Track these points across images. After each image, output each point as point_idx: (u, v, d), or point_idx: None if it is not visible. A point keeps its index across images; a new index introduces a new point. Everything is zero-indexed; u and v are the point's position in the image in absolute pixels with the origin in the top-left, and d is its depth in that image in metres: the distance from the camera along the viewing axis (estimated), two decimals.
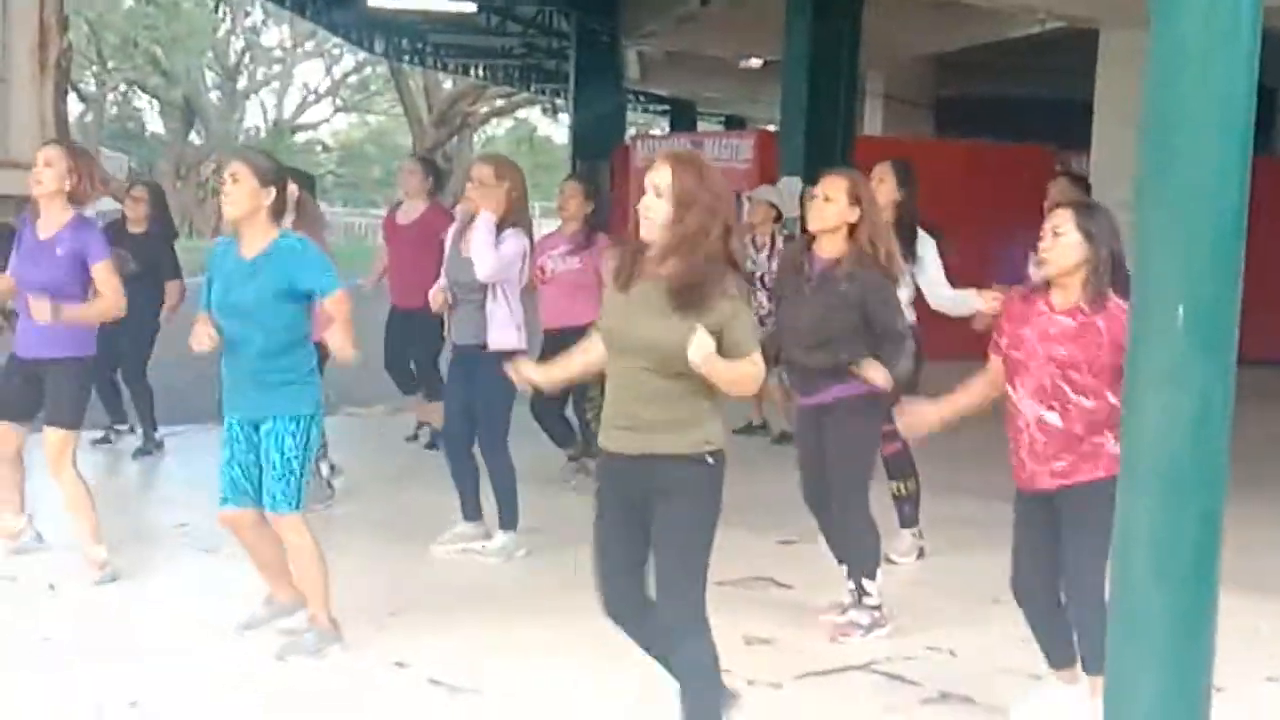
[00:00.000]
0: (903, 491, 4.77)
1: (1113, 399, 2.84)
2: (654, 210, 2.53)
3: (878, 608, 3.93)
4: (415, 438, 6.72)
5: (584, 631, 3.24)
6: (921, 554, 4.78)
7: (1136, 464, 2.12)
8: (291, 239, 3.58)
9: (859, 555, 3.94)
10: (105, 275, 4.06)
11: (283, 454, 3.46)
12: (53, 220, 4.11)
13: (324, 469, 5.31)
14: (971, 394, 3.23)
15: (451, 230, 4.76)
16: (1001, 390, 3.09)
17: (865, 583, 3.92)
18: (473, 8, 13.17)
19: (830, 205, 3.77)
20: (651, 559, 2.65)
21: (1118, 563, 2.15)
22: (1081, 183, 5.93)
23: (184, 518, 5.00)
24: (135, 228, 6.36)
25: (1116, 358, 2.65)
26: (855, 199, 3.77)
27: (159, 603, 4.08)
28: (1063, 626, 3.07)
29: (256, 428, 3.48)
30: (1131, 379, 2.13)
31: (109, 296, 4.08)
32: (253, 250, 3.45)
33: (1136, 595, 2.10)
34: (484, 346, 4.41)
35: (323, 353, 3.75)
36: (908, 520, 4.79)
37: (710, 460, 2.60)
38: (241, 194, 3.40)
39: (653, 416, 2.57)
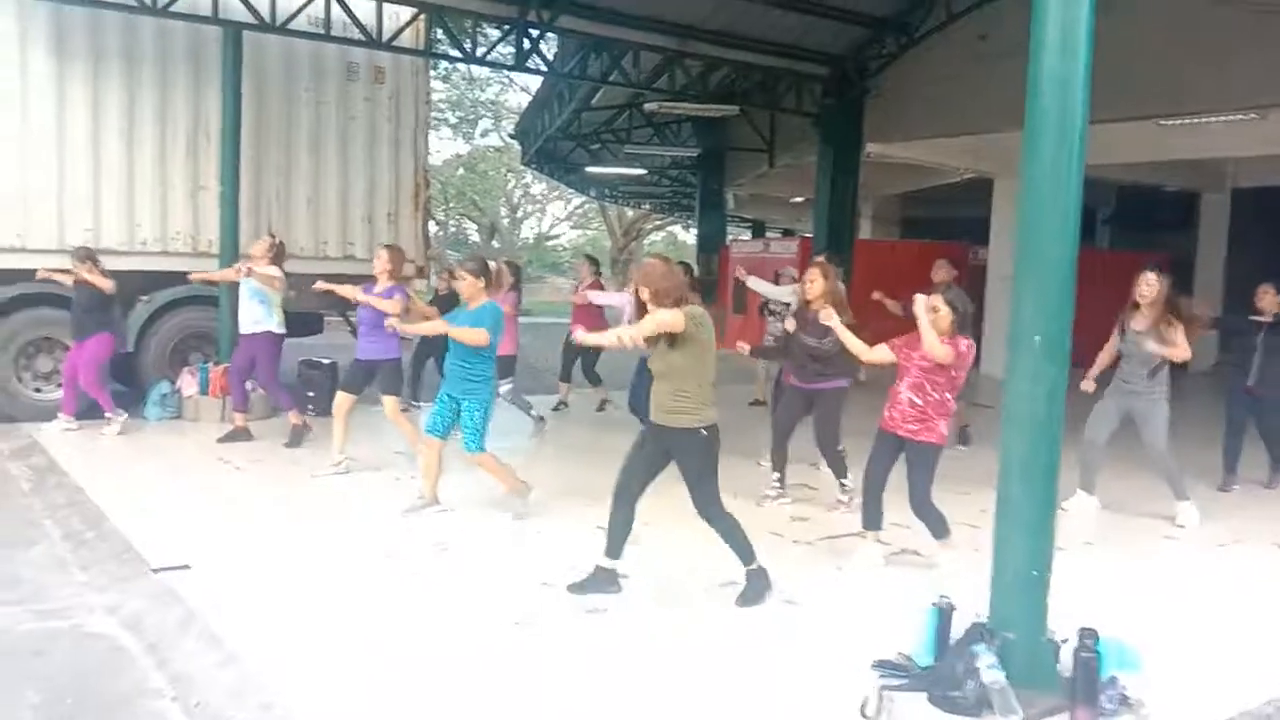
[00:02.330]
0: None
1: (949, 398, 5.29)
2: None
3: (852, 490, 6.71)
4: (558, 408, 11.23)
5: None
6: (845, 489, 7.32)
7: (1014, 422, 3.46)
8: (490, 304, 6.54)
9: (837, 467, 6.96)
10: (395, 303, 7.51)
11: (470, 419, 6.20)
12: (381, 283, 7.67)
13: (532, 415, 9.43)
14: (876, 353, 5.62)
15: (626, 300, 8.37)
16: (887, 362, 5.54)
17: (842, 479, 6.95)
18: (643, 172, 24.72)
19: (816, 284, 6.75)
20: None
21: (1001, 473, 3.48)
22: (954, 263, 9.53)
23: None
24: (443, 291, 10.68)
25: (959, 376, 4.59)
26: (826, 276, 6.72)
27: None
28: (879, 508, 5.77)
29: (458, 402, 6.34)
30: (1010, 376, 3.47)
31: (396, 305, 7.49)
32: (473, 307, 6.45)
33: (1011, 491, 3.44)
34: None
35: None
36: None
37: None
38: (465, 284, 6.45)
39: None
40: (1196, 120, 12.05)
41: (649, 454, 5.12)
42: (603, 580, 5.15)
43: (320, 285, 8.20)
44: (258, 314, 8.82)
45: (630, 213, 41.93)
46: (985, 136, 14.39)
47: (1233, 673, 4.42)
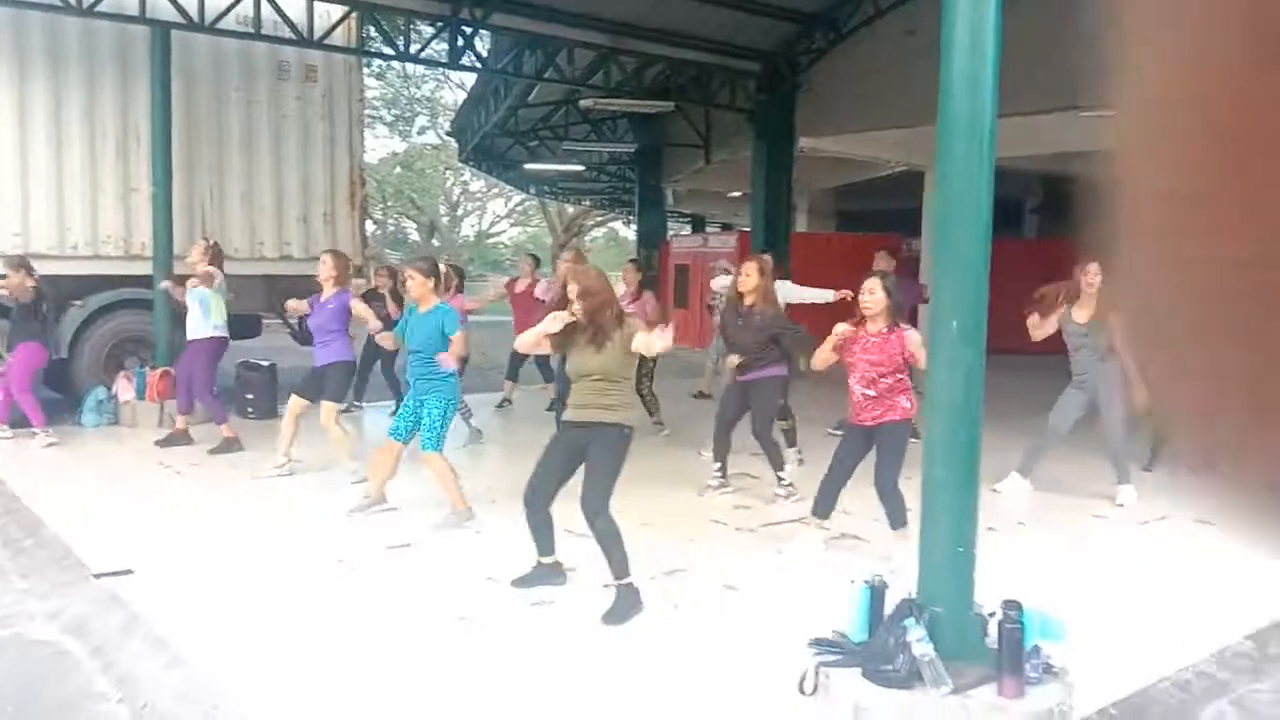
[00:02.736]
0: (787, 427, 8.08)
1: (901, 377, 5.43)
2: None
3: (790, 484, 6.97)
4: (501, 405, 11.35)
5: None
6: (801, 462, 7.82)
7: (934, 406, 3.63)
8: (443, 305, 6.36)
9: (773, 458, 7.01)
10: (357, 309, 7.71)
11: (430, 419, 6.15)
12: (327, 290, 7.60)
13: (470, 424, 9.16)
14: (826, 347, 5.63)
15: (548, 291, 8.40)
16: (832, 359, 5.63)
17: (779, 473, 7.03)
18: (581, 168, 24.69)
19: (750, 278, 6.89)
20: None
21: (925, 456, 3.64)
22: (894, 254, 9.78)
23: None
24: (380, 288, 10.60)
25: (904, 356, 4.97)
26: (762, 273, 6.88)
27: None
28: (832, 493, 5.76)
29: (422, 402, 6.22)
30: (931, 360, 3.64)
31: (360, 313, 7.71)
32: (423, 309, 6.26)
33: (934, 472, 3.60)
34: None
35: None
36: (791, 443, 8.04)
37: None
38: (415, 284, 6.42)
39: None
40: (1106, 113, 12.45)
41: (564, 453, 5.03)
42: (546, 573, 5.22)
43: (291, 305, 8.35)
44: (196, 318, 8.75)
45: (571, 209, 42.08)
46: (915, 130, 14.83)
47: (1153, 642, 4.63)
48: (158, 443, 8.83)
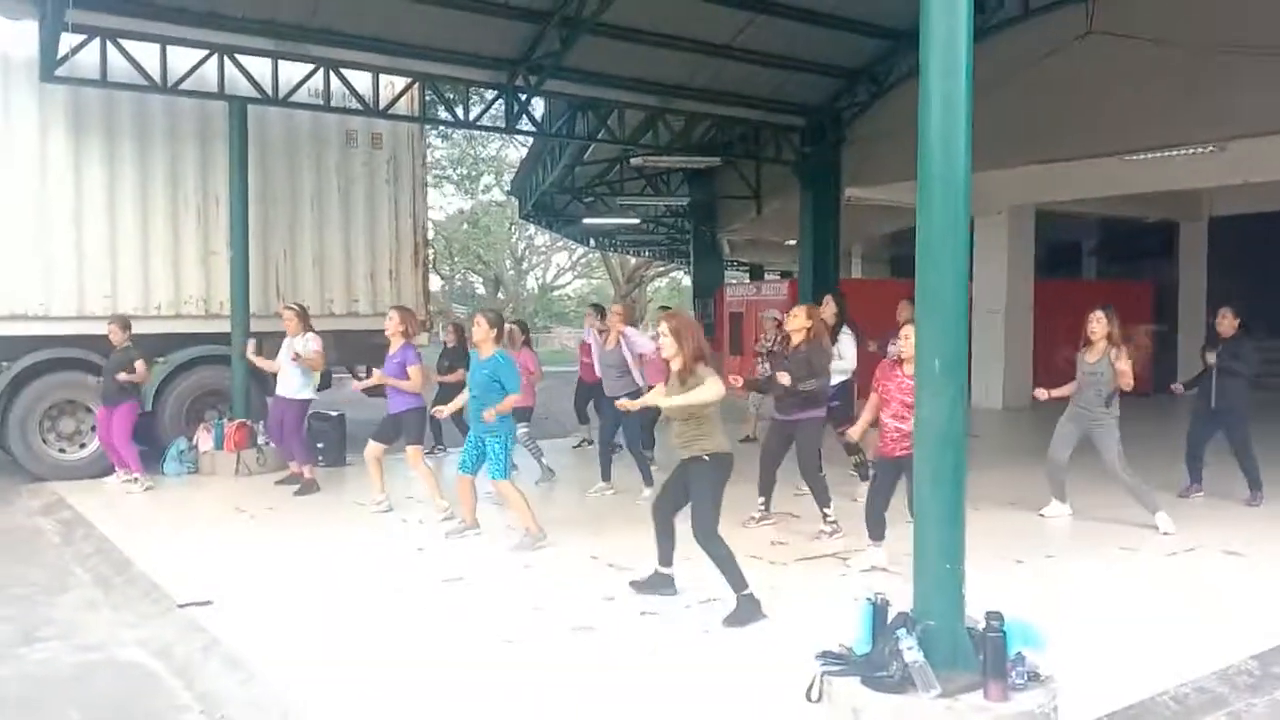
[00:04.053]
0: (860, 460, 8.55)
1: None
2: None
3: (835, 522, 7.34)
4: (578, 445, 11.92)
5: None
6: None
7: (923, 434, 3.96)
8: (500, 354, 7.06)
9: (819, 496, 7.46)
10: (414, 373, 8.13)
11: (494, 452, 6.90)
12: (395, 344, 8.18)
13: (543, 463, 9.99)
14: (870, 411, 6.45)
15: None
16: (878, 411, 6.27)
17: (825, 510, 7.43)
18: (638, 221, 25.95)
19: (797, 319, 7.49)
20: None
21: (915, 481, 3.99)
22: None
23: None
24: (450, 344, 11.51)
25: None
26: (810, 317, 7.46)
27: None
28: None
29: (483, 440, 6.95)
30: (919, 395, 3.98)
31: (416, 381, 8.14)
32: (483, 356, 6.88)
33: (923, 494, 3.93)
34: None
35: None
36: (865, 476, 8.21)
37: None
38: (479, 331, 7.11)
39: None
40: (1156, 155, 12.65)
41: (674, 484, 5.87)
42: (660, 581, 6.00)
43: (357, 386, 9.35)
44: (296, 383, 9.56)
45: (633, 260, 43.12)
46: None
47: (1157, 660, 4.86)
48: (297, 493, 9.46)
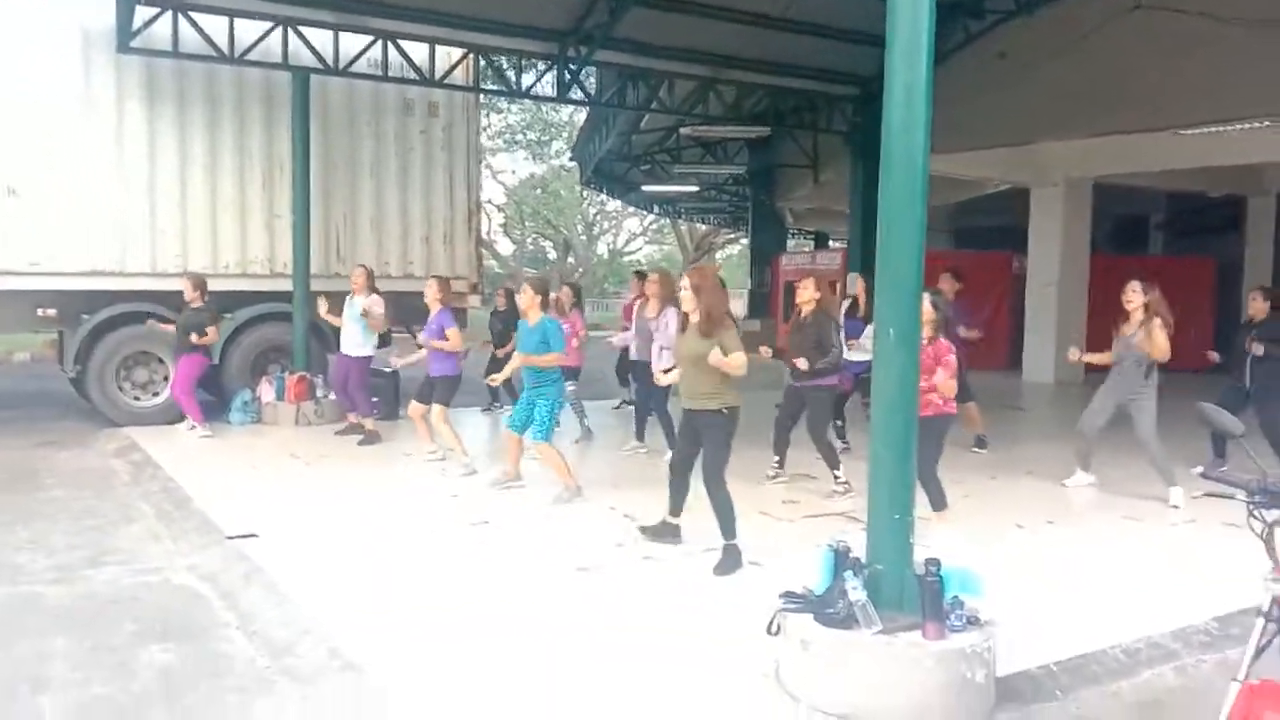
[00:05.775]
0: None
1: (928, 380, 6.08)
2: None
3: (845, 482, 7.69)
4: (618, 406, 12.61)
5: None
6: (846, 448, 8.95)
7: (878, 398, 4.28)
8: (546, 319, 7.62)
9: (828, 459, 7.83)
10: (452, 335, 8.54)
11: (540, 415, 7.30)
12: (434, 309, 8.84)
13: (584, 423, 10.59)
14: None
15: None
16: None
17: (835, 471, 7.81)
18: (696, 189, 26.61)
19: (806, 290, 7.83)
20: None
21: (871, 439, 4.30)
22: (959, 278, 9.96)
23: None
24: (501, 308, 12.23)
25: (935, 363, 5.28)
26: (819, 288, 7.83)
27: None
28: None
29: (534, 403, 7.34)
30: (875, 363, 4.28)
31: (455, 341, 8.55)
32: (531, 322, 7.58)
33: (878, 452, 4.26)
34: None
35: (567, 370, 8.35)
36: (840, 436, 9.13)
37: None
38: (523, 298, 7.61)
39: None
40: (1211, 130, 12.56)
41: (685, 436, 6.25)
42: (666, 530, 6.43)
43: (396, 362, 10.00)
44: (358, 339, 10.23)
45: (702, 227, 43.23)
46: (1013, 148, 15.13)
47: (1120, 618, 5.13)
48: (340, 434, 10.44)
